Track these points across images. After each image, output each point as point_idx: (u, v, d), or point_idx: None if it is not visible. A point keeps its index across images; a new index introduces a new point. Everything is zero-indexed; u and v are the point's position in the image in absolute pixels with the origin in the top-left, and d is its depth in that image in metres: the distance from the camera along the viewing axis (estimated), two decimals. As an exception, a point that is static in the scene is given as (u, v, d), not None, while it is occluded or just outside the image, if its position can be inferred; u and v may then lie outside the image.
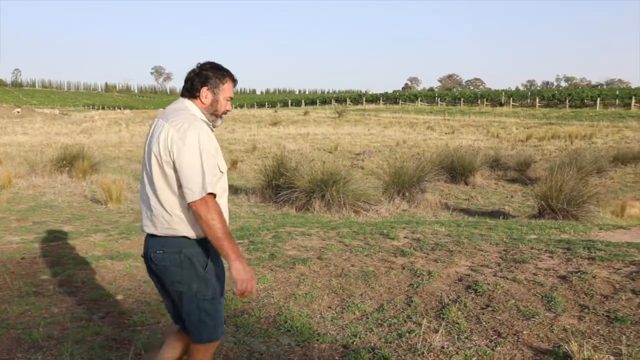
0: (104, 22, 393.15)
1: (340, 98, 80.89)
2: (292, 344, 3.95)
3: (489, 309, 4.29)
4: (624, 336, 3.79)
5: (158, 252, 2.64)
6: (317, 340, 3.97)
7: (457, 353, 3.66)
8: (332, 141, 25.68)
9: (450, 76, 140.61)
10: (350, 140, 26.69)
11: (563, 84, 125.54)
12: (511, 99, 63.42)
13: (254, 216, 9.27)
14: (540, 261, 5.28)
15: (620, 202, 13.17)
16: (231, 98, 2.75)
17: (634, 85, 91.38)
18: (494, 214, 10.21)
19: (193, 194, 2.48)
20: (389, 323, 4.24)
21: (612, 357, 3.48)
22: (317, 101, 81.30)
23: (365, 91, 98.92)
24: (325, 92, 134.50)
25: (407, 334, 4.00)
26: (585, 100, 58.39)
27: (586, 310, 4.20)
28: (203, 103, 2.68)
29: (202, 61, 2.72)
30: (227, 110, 2.75)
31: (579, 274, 4.78)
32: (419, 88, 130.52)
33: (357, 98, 78.60)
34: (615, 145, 23.57)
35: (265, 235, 6.99)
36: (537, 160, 19.30)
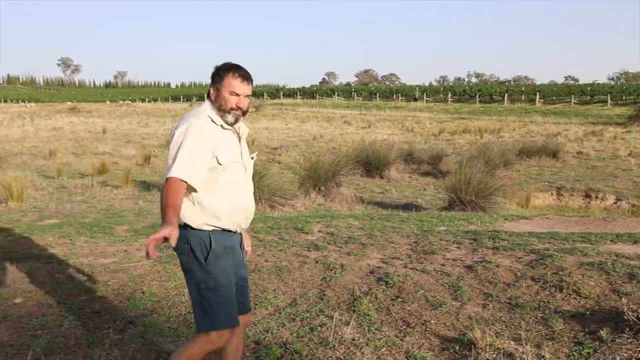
0: (4, 8, 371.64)
1: (258, 92, 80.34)
2: (202, 342, 3.87)
3: (399, 300, 4.38)
4: (523, 322, 3.98)
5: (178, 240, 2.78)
6: (229, 337, 3.91)
7: (367, 344, 3.71)
8: (249, 135, 25.50)
9: (366, 71, 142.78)
10: (268, 135, 26.62)
11: (474, 80, 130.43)
12: (425, 94, 65.26)
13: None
14: (449, 252, 5.45)
15: (525, 193, 13.86)
16: (237, 94, 2.84)
17: (538, 82, 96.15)
18: (407, 207, 10.47)
19: (165, 177, 2.66)
20: (302, 317, 4.24)
21: (512, 342, 3.64)
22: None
23: (283, 85, 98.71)
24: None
25: (319, 328, 4.02)
26: (494, 96, 61.02)
27: (490, 298, 4.37)
28: (211, 100, 2.87)
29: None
30: (237, 106, 2.84)
31: (483, 263, 4.97)
32: (336, 83, 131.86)
33: (275, 92, 78.48)
34: (521, 139, 24.77)
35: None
36: (449, 154, 19.95)
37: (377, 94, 68.52)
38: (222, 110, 2.83)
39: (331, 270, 5.12)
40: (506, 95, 58.35)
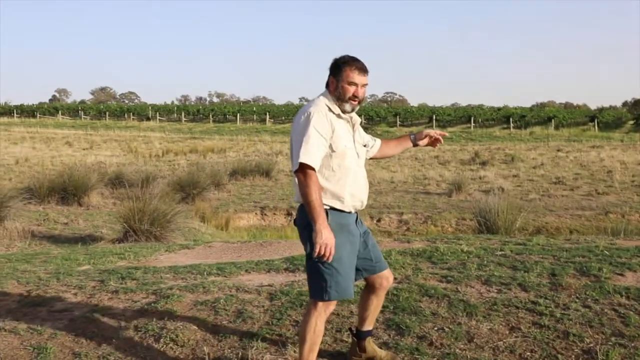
0: None
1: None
2: None
3: (-42, 377, 3.49)
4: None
5: (297, 217, 3.18)
6: None
7: None
8: None
9: (103, 89, 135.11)
10: (-41, 159, 23.05)
11: (215, 99, 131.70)
12: (158, 113, 63.64)
13: None
14: (61, 301, 4.68)
15: (227, 215, 13.77)
16: (356, 84, 3.02)
17: (276, 102, 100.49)
18: (85, 240, 9.38)
19: (294, 165, 2.90)
20: None
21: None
22: None
23: (6, 103, 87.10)
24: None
25: None
26: (228, 116, 62.09)
27: (78, 358, 3.73)
28: (330, 90, 3.07)
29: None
30: (355, 96, 3.03)
31: (91, 313, 4.33)
32: (69, 100, 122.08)
33: (-13, 110, 69.49)
34: (245, 158, 25.12)
35: None
36: (165, 176, 19.21)
37: (107, 113, 64.82)
38: (340, 99, 3.04)
39: None
40: (239, 115, 59.81)
